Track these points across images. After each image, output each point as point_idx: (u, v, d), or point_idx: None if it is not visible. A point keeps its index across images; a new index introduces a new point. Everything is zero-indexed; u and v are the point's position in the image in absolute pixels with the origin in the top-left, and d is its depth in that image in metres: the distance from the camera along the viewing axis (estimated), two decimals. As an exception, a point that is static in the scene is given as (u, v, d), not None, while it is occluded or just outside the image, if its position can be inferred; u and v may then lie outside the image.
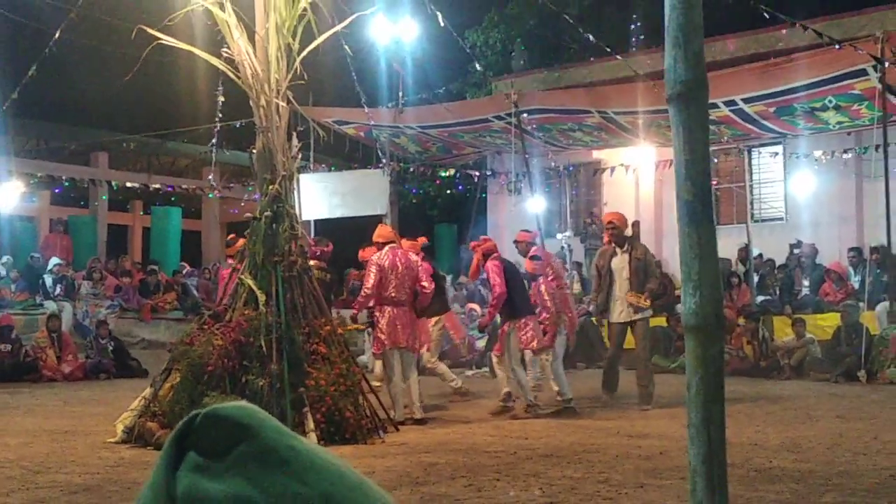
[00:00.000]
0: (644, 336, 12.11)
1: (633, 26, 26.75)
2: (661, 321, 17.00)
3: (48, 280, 20.60)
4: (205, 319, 10.35)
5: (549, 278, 12.42)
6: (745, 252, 19.51)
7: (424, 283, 11.61)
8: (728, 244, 20.82)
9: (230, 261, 13.09)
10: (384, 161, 21.69)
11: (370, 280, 11.23)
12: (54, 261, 21.18)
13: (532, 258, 12.44)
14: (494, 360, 12.13)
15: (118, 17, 20.01)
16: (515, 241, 13.06)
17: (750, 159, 21.87)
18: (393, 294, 11.25)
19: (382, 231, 12.01)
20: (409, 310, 11.44)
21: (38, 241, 24.07)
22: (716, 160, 21.94)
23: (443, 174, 24.64)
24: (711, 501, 2.11)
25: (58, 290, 20.33)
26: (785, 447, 8.69)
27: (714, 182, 21.68)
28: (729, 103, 17.87)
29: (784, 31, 18.50)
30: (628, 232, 12.98)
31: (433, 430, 10.37)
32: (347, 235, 20.10)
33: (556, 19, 19.37)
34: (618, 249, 11.95)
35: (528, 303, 11.87)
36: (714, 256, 2.17)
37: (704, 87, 2.13)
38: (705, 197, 2.11)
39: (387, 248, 11.49)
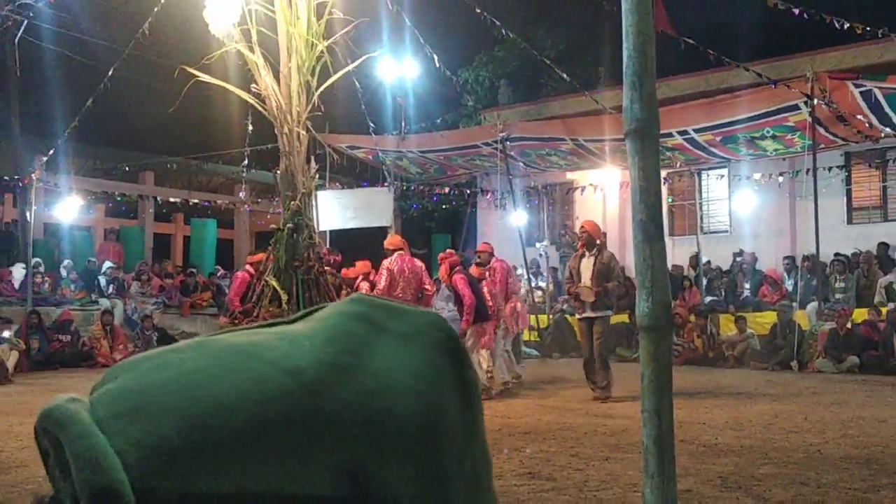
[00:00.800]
0: (602, 334, 11.42)
1: (600, 67, 26.80)
2: (623, 318, 17.01)
3: (102, 281, 20.62)
4: (235, 315, 10.35)
5: (498, 282, 12.55)
6: (695, 259, 19.51)
7: (427, 287, 11.70)
8: (681, 252, 20.87)
9: (248, 266, 13.05)
10: (389, 180, 21.70)
11: (382, 282, 11.26)
12: (107, 264, 21.22)
13: (478, 265, 12.45)
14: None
15: (163, 57, 20.04)
16: (477, 252, 13.03)
17: (700, 180, 21.88)
18: (400, 294, 11.27)
19: (393, 240, 11.99)
20: None
21: (94, 247, 24.02)
22: (671, 181, 21.97)
23: (439, 192, 24.65)
24: (661, 475, 2.13)
25: (110, 289, 20.35)
26: (729, 426, 8.69)
27: (670, 199, 21.87)
28: (682, 133, 17.91)
29: (729, 72, 18.53)
30: (603, 239, 12.84)
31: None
32: (357, 243, 20.15)
33: (536, 61, 19.34)
34: (587, 253, 11.75)
35: (487, 310, 11.80)
36: (663, 267, 2.18)
37: (656, 124, 2.14)
38: (657, 217, 2.12)
39: (395, 254, 11.51)
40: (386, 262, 11.44)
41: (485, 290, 12.14)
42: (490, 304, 12.00)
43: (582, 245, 11.93)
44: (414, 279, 11.43)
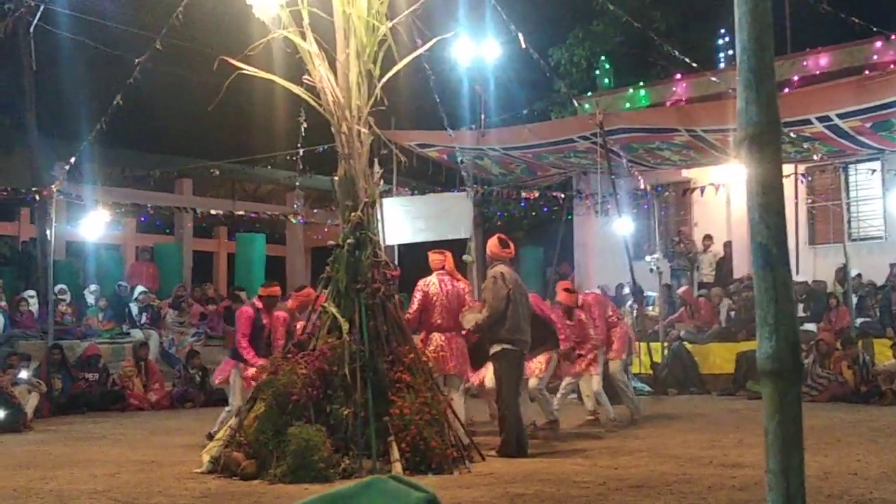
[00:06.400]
0: (497, 374, 10.82)
1: (721, 41, 26.53)
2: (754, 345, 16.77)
3: (134, 308, 20.94)
4: (289, 348, 10.45)
5: (597, 318, 13.39)
6: (842, 273, 19.21)
7: None
8: (824, 265, 20.55)
9: (290, 303, 13.15)
10: (468, 183, 21.75)
11: (414, 305, 11.37)
12: (140, 289, 21.52)
13: (567, 290, 13.17)
14: (533, 383, 12.06)
15: (199, 45, 20.41)
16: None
17: (846, 176, 21.54)
18: (438, 321, 11.33)
19: (434, 259, 11.94)
20: (458, 336, 11.44)
21: (124, 269, 24.44)
22: (810, 177, 21.65)
23: (527, 196, 24.62)
24: (792, 549, 2.10)
25: (143, 318, 20.64)
26: (887, 477, 8.52)
27: (809, 200, 21.57)
28: (822, 119, 17.61)
29: (879, 44, 18.20)
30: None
31: (520, 459, 10.34)
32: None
33: (642, 35, 19.26)
34: None
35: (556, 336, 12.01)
36: (790, 299, 2.15)
37: (777, 129, 2.13)
38: (780, 240, 2.10)
39: (434, 274, 11.57)
40: (421, 283, 11.52)
41: (581, 316, 12.99)
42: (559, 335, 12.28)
43: None
44: (456, 304, 11.43)
